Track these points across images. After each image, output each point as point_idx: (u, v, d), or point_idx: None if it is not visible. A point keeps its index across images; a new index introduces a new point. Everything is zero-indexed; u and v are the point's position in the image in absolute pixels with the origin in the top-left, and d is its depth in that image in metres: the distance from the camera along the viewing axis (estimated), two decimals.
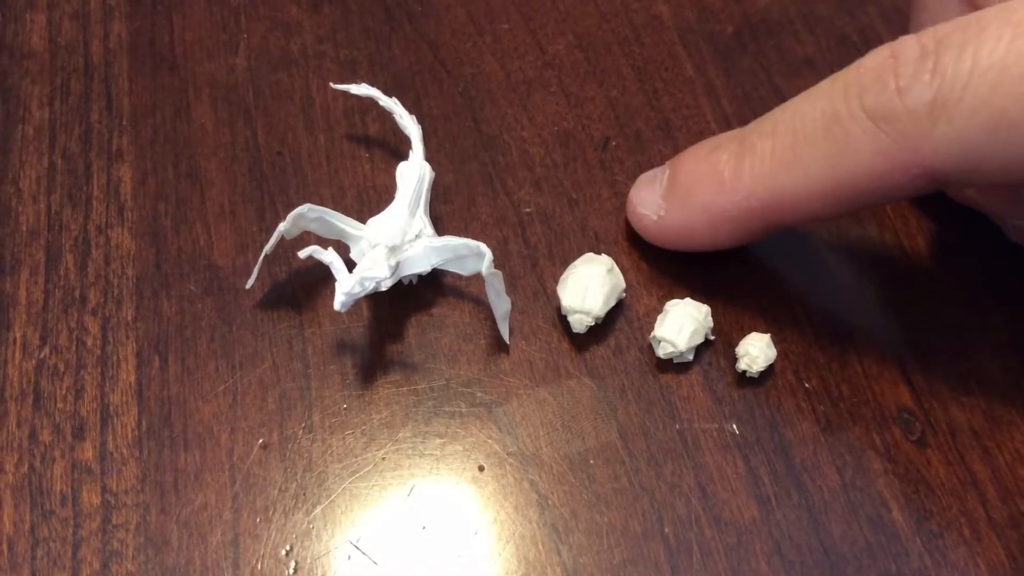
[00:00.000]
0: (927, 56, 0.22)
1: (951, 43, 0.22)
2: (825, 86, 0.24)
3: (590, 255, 0.27)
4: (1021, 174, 0.22)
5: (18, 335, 0.27)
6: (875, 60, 0.23)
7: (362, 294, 0.25)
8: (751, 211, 0.25)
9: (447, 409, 0.26)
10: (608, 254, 0.28)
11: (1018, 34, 0.21)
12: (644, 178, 0.28)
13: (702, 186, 0.26)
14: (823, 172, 0.23)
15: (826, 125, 0.23)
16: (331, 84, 0.31)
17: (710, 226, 0.26)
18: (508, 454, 0.25)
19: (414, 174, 0.27)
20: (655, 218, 0.27)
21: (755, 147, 0.25)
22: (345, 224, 0.27)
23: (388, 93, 0.30)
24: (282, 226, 0.26)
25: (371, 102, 0.31)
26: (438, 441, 0.26)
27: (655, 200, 0.27)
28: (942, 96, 0.21)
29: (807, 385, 0.27)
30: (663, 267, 0.28)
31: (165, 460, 0.25)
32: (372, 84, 0.30)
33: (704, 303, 0.27)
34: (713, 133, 0.31)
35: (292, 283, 0.28)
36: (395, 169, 0.28)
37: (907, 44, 0.22)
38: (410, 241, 0.26)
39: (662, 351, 0.26)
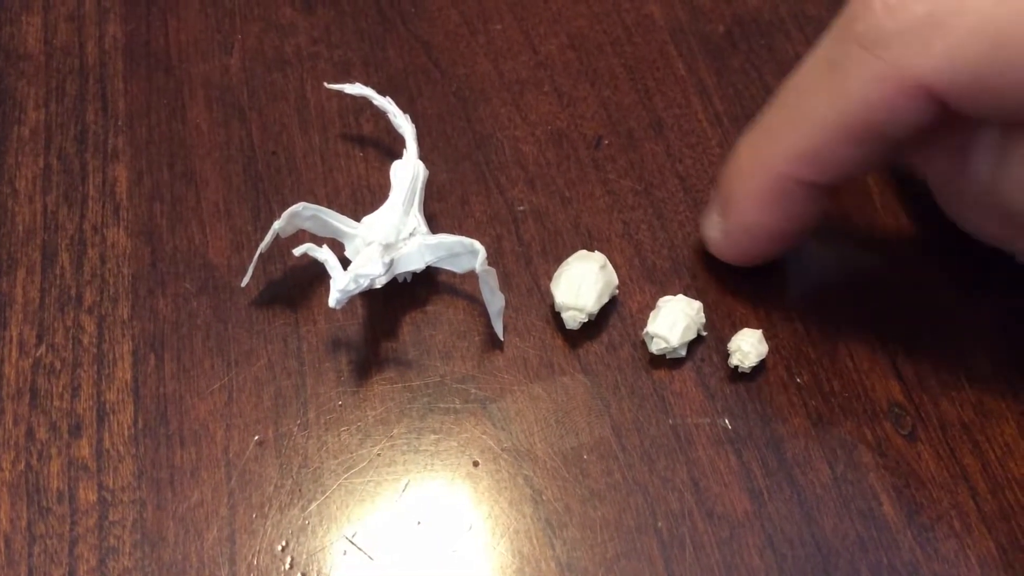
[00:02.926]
0: None
1: None
2: (820, 41, 0.23)
3: (583, 252, 0.28)
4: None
5: (15, 334, 0.27)
6: None
7: (357, 291, 0.25)
8: (783, 179, 0.24)
9: (442, 405, 0.26)
10: (601, 251, 0.28)
11: None
12: (708, 208, 0.28)
13: (736, 176, 0.26)
14: (830, 115, 0.22)
15: (826, 68, 0.22)
16: (325, 84, 0.31)
17: (759, 213, 0.25)
18: (502, 450, 0.26)
19: (408, 173, 0.28)
20: (718, 234, 0.27)
21: (768, 117, 0.25)
22: (340, 222, 0.27)
23: (382, 93, 0.30)
24: (277, 224, 0.26)
25: (365, 102, 0.31)
26: (433, 437, 0.26)
27: (713, 218, 0.27)
28: (940, 9, 0.20)
29: (799, 380, 0.27)
30: (656, 263, 0.29)
31: (161, 457, 0.25)
32: (366, 84, 0.30)
33: (696, 299, 0.27)
34: (705, 132, 0.31)
35: (287, 281, 0.28)
36: (389, 168, 0.28)
37: None
38: (404, 239, 0.26)
39: (655, 347, 0.27)
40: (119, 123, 0.31)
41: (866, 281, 0.29)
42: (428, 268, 0.27)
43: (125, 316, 0.27)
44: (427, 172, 0.28)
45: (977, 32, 0.19)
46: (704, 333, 0.27)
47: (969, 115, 0.21)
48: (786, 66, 0.33)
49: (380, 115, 0.31)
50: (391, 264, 0.26)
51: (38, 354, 0.27)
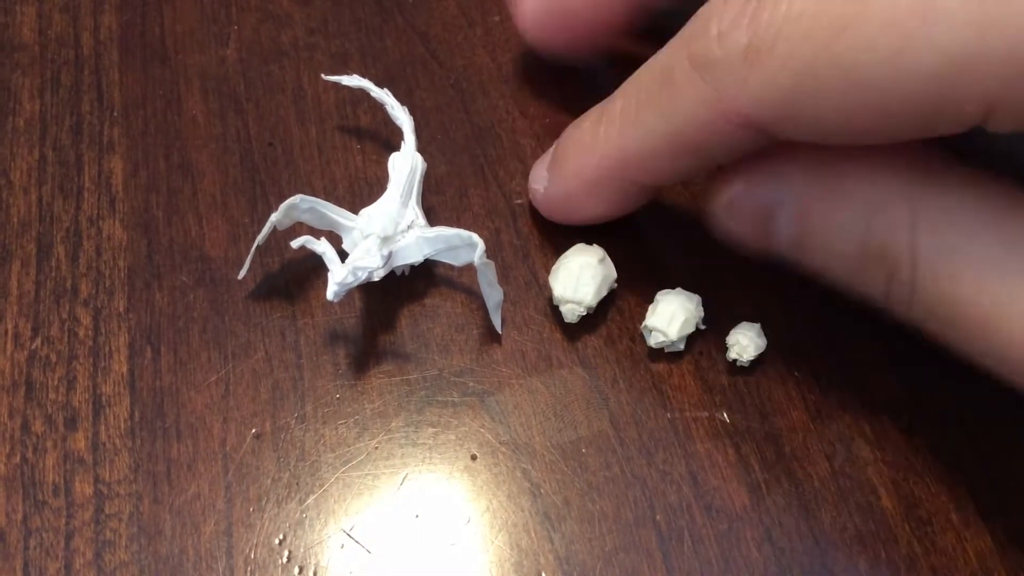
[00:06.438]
0: (749, 1, 0.21)
1: None
2: (671, 40, 0.23)
3: (581, 245, 0.27)
4: (834, 127, 0.21)
5: (10, 326, 0.27)
6: (709, 6, 0.22)
7: (354, 284, 0.25)
8: (609, 172, 0.25)
9: (440, 399, 0.26)
10: (599, 244, 0.28)
11: None
12: (544, 155, 0.29)
13: (570, 151, 0.26)
14: (659, 127, 0.23)
15: (661, 79, 0.23)
16: (322, 75, 0.31)
17: (582, 192, 0.26)
18: (501, 443, 0.25)
19: (406, 165, 0.28)
20: (541, 190, 0.28)
21: (611, 107, 0.25)
22: (337, 215, 0.27)
23: (379, 84, 0.30)
24: (274, 217, 0.26)
25: (362, 93, 0.31)
26: (431, 430, 0.26)
27: (542, 173, 0.28)
28: (756, 42, 0.20)
29: (797, 374, 0.27)
30: (654, 257, 0.29)
31: (158, 450, 0.25)
32: (363, 75, 0.30)
33: (695, 292, 0.27)
34: None
35: (284, 274, 0.28)
36: (387, 160, 0.28)
37: None
38: (402, 231, 0.26)
39: (653, 340, 0.26)
40: (115, 114, 0.31)
41: None
42: (426, 261, 0.27)
43: (121, 309, 0.27)
44: (425, 164, 0.28)
45: (785, 65, 0.20)
46: (703, 326, 0.27)
47: (786, 139, 0.22)
48: None
49: (378, 107, 0.31)
50: (389, 257, 0.26)
51: (33, 347, 0.26)
